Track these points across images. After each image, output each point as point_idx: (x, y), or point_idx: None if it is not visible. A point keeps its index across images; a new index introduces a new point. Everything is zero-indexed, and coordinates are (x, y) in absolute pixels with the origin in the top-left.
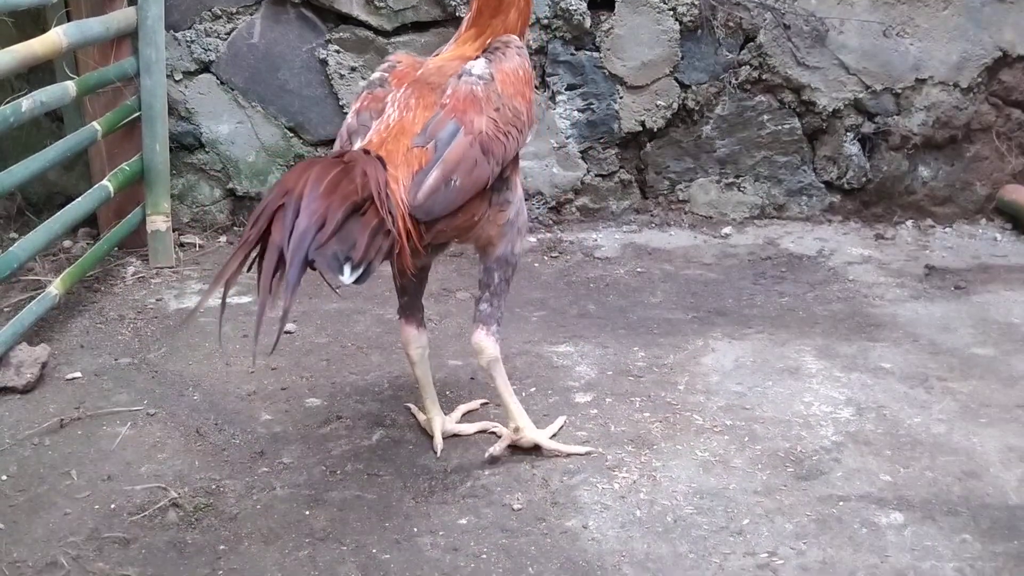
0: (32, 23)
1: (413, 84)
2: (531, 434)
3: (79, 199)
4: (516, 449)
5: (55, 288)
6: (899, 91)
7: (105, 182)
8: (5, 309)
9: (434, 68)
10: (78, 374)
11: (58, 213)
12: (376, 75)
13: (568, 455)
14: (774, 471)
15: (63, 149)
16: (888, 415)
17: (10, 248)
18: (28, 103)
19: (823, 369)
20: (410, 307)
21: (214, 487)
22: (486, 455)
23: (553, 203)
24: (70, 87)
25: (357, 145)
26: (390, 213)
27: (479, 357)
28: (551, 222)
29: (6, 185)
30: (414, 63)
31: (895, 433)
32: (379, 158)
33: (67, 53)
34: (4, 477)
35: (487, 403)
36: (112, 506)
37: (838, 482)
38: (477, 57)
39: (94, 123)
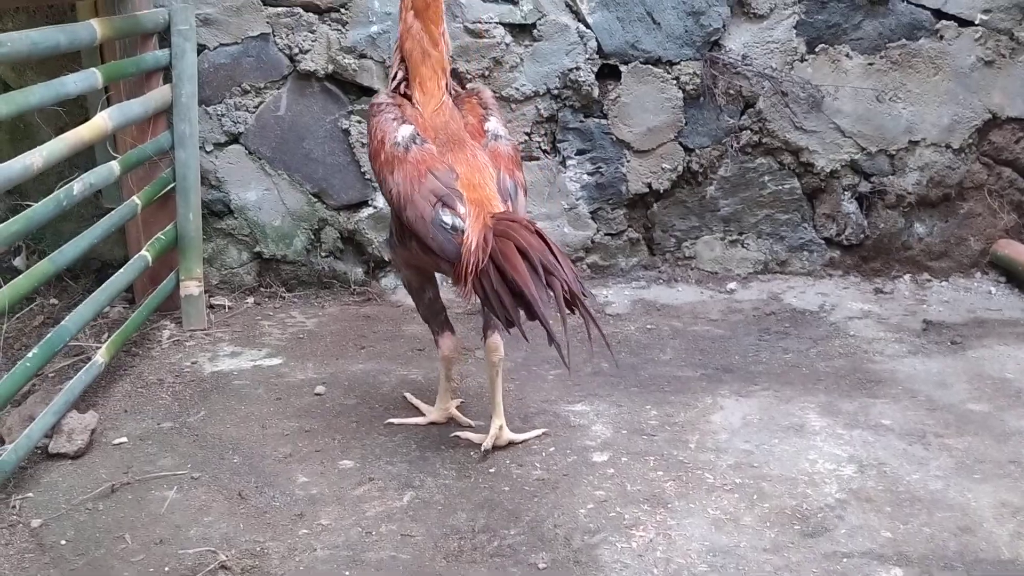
0: (72, 102)
1: (446, 143)
2: (507, 434)
3: (121, 270)
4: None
5: (101, 356)
6: (893, 152)
7: (144, 252)
8: (50, 375)
9: (441, 124)
10: (124, 439)
11: (103, 285)
12: (388, 106)
13: (529, 439)
14: (782, 528)
15: (107, 226)
16: (888, 472)
17: (62, 323)
18: (79, 186)
19: (826, 426)
20: (447, 320)
21: (259, 549)
22: (482, 450)
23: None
24: (115, 167)
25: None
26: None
27: (495, 354)
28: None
29: (59, 264)
30: (401, 103)
31: (895, 490)
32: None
33: (111, 135)
34: (63, 542)
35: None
36: (166, 568)
37: (842, 539)
38: (454, 97)
39: (134, 197)
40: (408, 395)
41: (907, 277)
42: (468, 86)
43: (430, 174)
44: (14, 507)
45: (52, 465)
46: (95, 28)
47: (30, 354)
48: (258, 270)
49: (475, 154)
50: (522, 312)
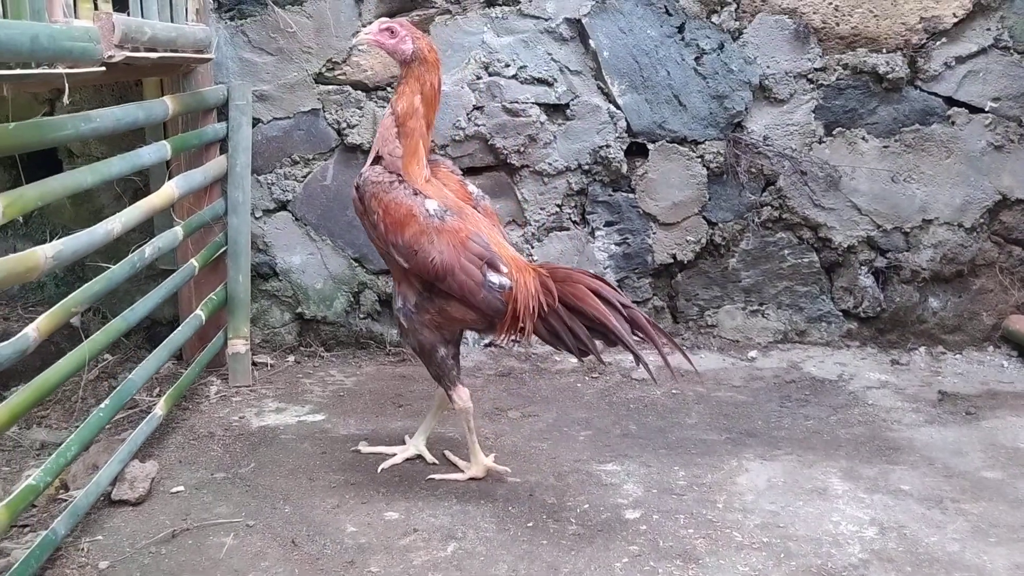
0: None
1: (455, 210)
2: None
3: (179, 328)
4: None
5: (159, 409)
6: (908, 230)
7: (198, 311)
8: (107, 427)
9: (440, 194)
10: (181, 488)
11: (164, 342)
12: (396, 182)
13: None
14: None
15: (171, 286)
16: (908, 534)
17: (129, 377)
18: (150, 250)
19: (848, 490)
20: (458, 374)
21: None
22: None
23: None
24: (179, 232)
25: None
26: None
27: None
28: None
29: (131, 322)
30: (400, 178)
31: (915, 551)
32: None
33: (177, 202)
34: None
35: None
36: None
37: None
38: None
39: (192, 260)
40: (447, 452)
41: (922, 349)
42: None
43: (470, 240)
44: (82, 549)
45: (115, 511)
46: (168, 105)
47: (102, 405)
48: (299, 330)
49: (478, 217)
50: (598, 342)
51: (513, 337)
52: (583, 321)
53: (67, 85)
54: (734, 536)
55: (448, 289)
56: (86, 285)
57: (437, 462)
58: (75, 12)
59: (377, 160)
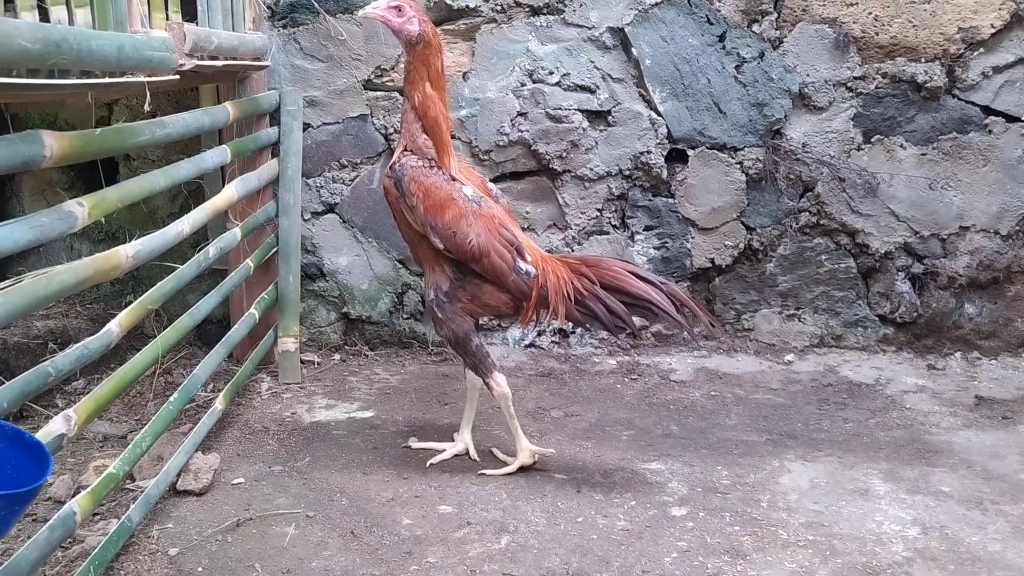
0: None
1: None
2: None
3: (236, 326)
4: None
5: (219, 404)
6: (945, 237)
7: (252, 310)
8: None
9: (470, 184)
10: (241, 479)
11: (223, 339)
12: (434, 168)
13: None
14: None
15: (230, 285)
16: (950, 534)
17: (194, 372)
18: (213, 250)
19: (890, 491)
20: (493, 361)
21: None
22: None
23: (631, 329)
24: (237, 233)
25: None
26: None
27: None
28: (628, 346)
29: (197, 319)
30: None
31: (957, 550)
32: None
33: (237, 204)
34: (200, 569)
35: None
36: None
37: None
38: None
39: (248, 260)
40: (495, 449)
41: (958, 355)
42: None
43: (502, 227)
44: (152, 537)
45: (180, 501)
46: (229, 110)
47: (171, 399)
48: (344, 329)
49: (500, 210)
50: (635, 318)
51: (536, 323)
52: (621, 298)
53: (148, 93)
54: (780, 534)
55: (482, 270)
56: (159, 284)
57: (478, 459)
58: (150, 22)
59: (404, 150)
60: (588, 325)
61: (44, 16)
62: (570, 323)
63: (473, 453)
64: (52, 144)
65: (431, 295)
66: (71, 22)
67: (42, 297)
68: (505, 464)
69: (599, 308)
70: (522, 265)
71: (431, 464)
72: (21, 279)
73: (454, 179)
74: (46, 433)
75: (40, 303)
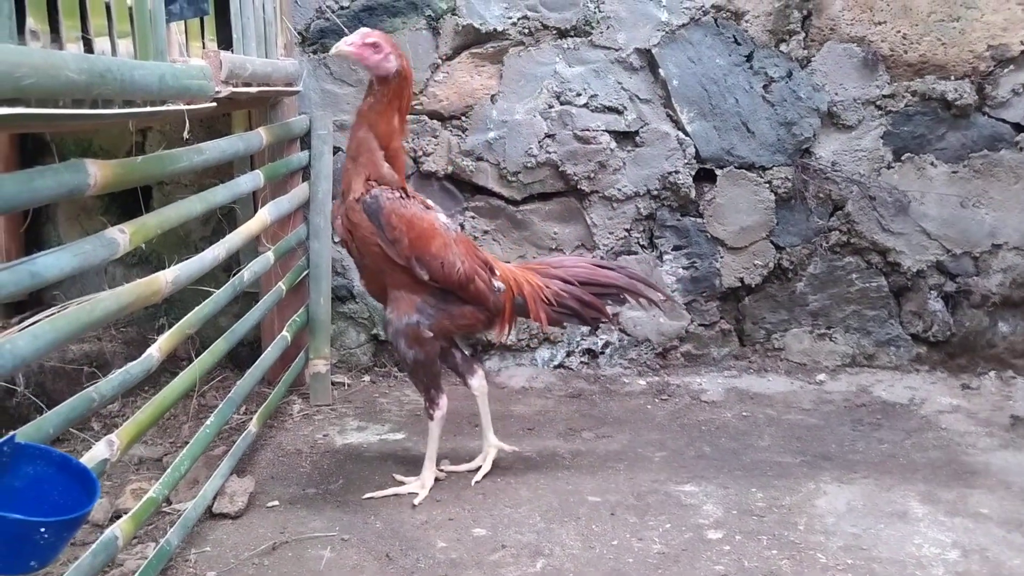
0: None
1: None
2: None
3: (269, 348)
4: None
5: (253, 426)
6: (977, 255)
7: (284, 332)
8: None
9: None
10: (276, 502)
11: (256, 363)
12: (408, 198)
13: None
14: None
15: (264, 308)
16: (991, 556)
17: (229, 395)
18: (248, 274)
19: (928, 513)
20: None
21: None
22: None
23: (659, 349)
24: (270, 256)
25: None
26: None
27: (483, 390)
28: (658, 366)
29: (232, 342)
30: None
31: (998, 574)
32: None
33: (270, 227)
34: None
35: None
36: None
37: None
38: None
39: (280, 283)
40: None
41: (992, 374)
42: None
43: (476, 249)
44: (189, 560)
45: (216, 524)
46: (262, 136)
47: (207, 422)
48: (373, 351)
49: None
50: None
51: (509, 332)
52: (593, 290)
53: (187, 120)
54: (818, 558)
55: (466, 295)
56: (197, 308)
57: (517, 448)
58: (187, 51)
59: (367, 180)
60: (565, 323)
61: (88, 47)
62: (551, 326)
63: (505, 447)
64: (96, 173)
65: (401, 322)
66: (114, 52)
67: (87, 324)
68: (472, 471)
69: (576, 305)
70: (496, 283)
71: (475, 482)
72: (66, 306)
73: (428, 207)
74: (90, 458)
75: (85, 329)
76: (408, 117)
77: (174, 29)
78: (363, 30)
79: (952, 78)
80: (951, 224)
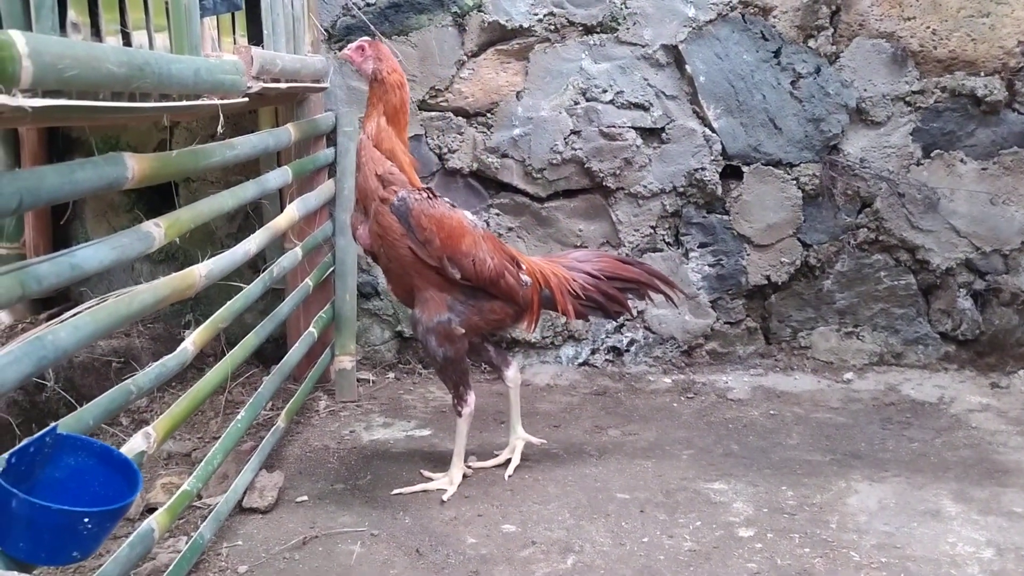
0: None
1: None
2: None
3: (296, 344)
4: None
5: (281, 422)
6: (1007, 252)
7: (311, 329)
8: None
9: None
10: (305, 497)
11: (284, 359)
12: (437, 198)
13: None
14: None
15: (292, 304)
16: None
17: (259, 390)
18: (278, 269)
19: (961, 512)
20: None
21: None
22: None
23: (685, 347)
24: (298, 252)
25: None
26: None
27: (516, 382)
28: (683, 364)
29: (262, 336)
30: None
31: None
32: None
33: (297, 224)
34: None
35: None
36: None
37: None
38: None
39: (307, 279)
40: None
41: (1021, 372)
42: None
43: (502, 243)
44: (221, 554)
45: (245, 518)
46: (291, 132)
47: (238, 417)
48: (398, 348)
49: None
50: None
51: (535, 325)
52: (616, 285)
53: (221, 115)
54: (852, 556)
55: (496, 291)
56: (228, 303)
57: (545, 441)
58: (219, 46)
59: (380, 182)
60: (590, 316)
61: (126, 40)
62: (577, 319)
63: (533, 439)
64: (134, 166)
65: (432, 321)
66: (151, 46)
67: (126, 316)
68: (503, 465)
69: (601, 298)
70: (523, 277)
71: (508, 476)
72: (105, 298)
73: (453, 205)
74: (128, 450)
75: (124, 322)
76: (432, 115)
77: (207, 24)
78: (364, 38)
79: (982, 74)
80: (980, 221)
